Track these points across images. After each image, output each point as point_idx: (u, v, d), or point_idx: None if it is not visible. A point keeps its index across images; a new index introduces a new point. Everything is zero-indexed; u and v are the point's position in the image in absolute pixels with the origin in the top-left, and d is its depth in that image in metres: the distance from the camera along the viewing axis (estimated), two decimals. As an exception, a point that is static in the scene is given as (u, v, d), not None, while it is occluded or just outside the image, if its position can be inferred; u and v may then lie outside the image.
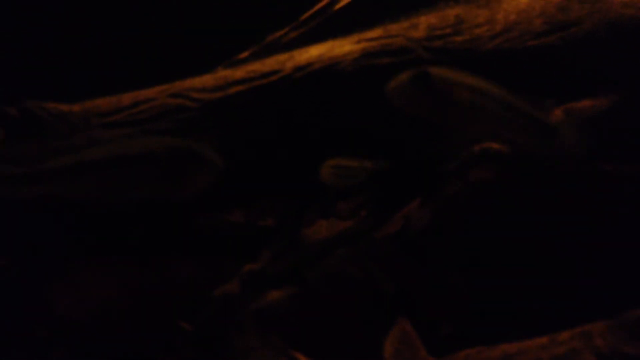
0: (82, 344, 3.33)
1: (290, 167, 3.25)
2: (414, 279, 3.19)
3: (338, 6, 3.89)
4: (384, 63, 3.11)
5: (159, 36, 4.21)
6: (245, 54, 3.85)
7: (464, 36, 3.14)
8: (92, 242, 3.23)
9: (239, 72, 3.09)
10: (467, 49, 3.12)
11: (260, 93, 3.05)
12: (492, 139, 2.76)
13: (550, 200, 2.97)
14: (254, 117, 3.06)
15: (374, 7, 3.77)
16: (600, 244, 2.88)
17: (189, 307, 3.41)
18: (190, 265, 3.50)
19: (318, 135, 3.11)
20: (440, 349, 2.85)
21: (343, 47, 3.12)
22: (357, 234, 3.31)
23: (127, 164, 2.20)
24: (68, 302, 3.39)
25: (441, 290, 3.16)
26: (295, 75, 3.07)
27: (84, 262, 3.41)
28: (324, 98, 3.06)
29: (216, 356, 2.96)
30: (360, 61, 3.09)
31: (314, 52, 3.12)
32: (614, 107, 3.02)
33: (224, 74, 3.09)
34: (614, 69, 3.05)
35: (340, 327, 2.98)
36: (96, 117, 2.85)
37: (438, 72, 2.35)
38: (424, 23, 3.21)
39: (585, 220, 2.93)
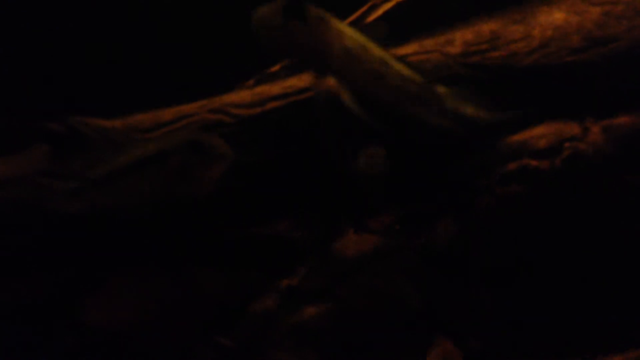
0: (112, 354, 3.34)
1: (324, 181, 3.26)
2: (440, 293, 3.19)
3: (370, 19, 3.88)
4: (420, 79, 3.11)
5: (190, 49, 4.24)
6: (276, 67, 3.86)
7: (501, 52, 3.14)
8: (125, 252, 3.24)
9: (276, 88, 3.10)
10: (504, 64, 3.12)
11: (297, 108, 3.07)
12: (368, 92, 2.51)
13: (580, 214, 2.96)
14: (290, 132, 3.07)
15: (407, 21, 3.78)
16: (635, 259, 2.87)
17: (218, 319, 3.42)
18: (221, 277, 3.51)
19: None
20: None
21: (380, 62, 3.11)
22: (392, 250, 3.31)
23: (145, 165, 2.21)
24: (98, 311, 3.41)
25: (468, 304, 3.15)
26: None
27: (116, 272, 3.43)
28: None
29: (252, 372, 2.97)
30: (397, 77, 3.09)
31: (351, 67, 3.12)
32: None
33: (261, 89, 3.11)
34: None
35: (376, 343, 2.97)
36: (138, 132, 2.89)
37: (315, 10, 2.18)
38: (459, 39, 3.21)
39: (618, 234, 2.91)
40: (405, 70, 2.30)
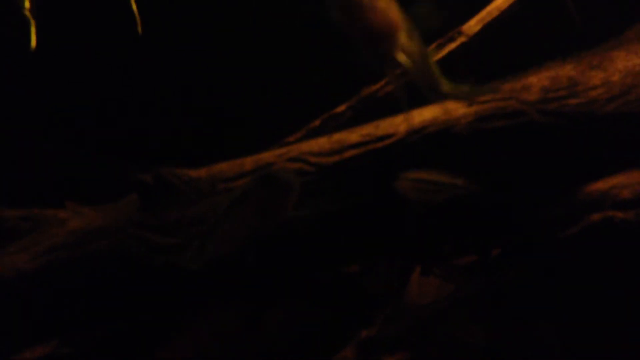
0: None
1: (395, 227, 3.24)
2: (510, 340, 3.15)
3: (434, 59, 3.86)
4: (498, 126, 3.08)
5: (254, 92, 4.29)
6: (342, 108, 3.87)
7: (580, 99, 3.10)
8: (202, 295, 3.25)
9: (354, 136, 3.10)
10: (583, 112, 3.08)
11: (375, 156, 3.06)
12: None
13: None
14: (369, 180, 3.07)
15: (471, 62, 3.76)
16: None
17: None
18: (287, 317, 3.51)
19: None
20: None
21: (457, 110, 3.10)
22: (463, 296, 3.28)
23: (233, 209, 2.27)
24: (167, 351, 3.43)
25: (531, 343, 3.11)
26: (409, 138, 3.07)
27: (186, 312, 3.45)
28: (438, 161, 3.04)
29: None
30: (474, 125, 3.07)
31: (428, 114, 3.11)
32: None
33: (339, 137, 3.11)
34: None
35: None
36: (221, 182, 2.90)
37: None
38: (536, 85, 3.18)
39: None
40: None
